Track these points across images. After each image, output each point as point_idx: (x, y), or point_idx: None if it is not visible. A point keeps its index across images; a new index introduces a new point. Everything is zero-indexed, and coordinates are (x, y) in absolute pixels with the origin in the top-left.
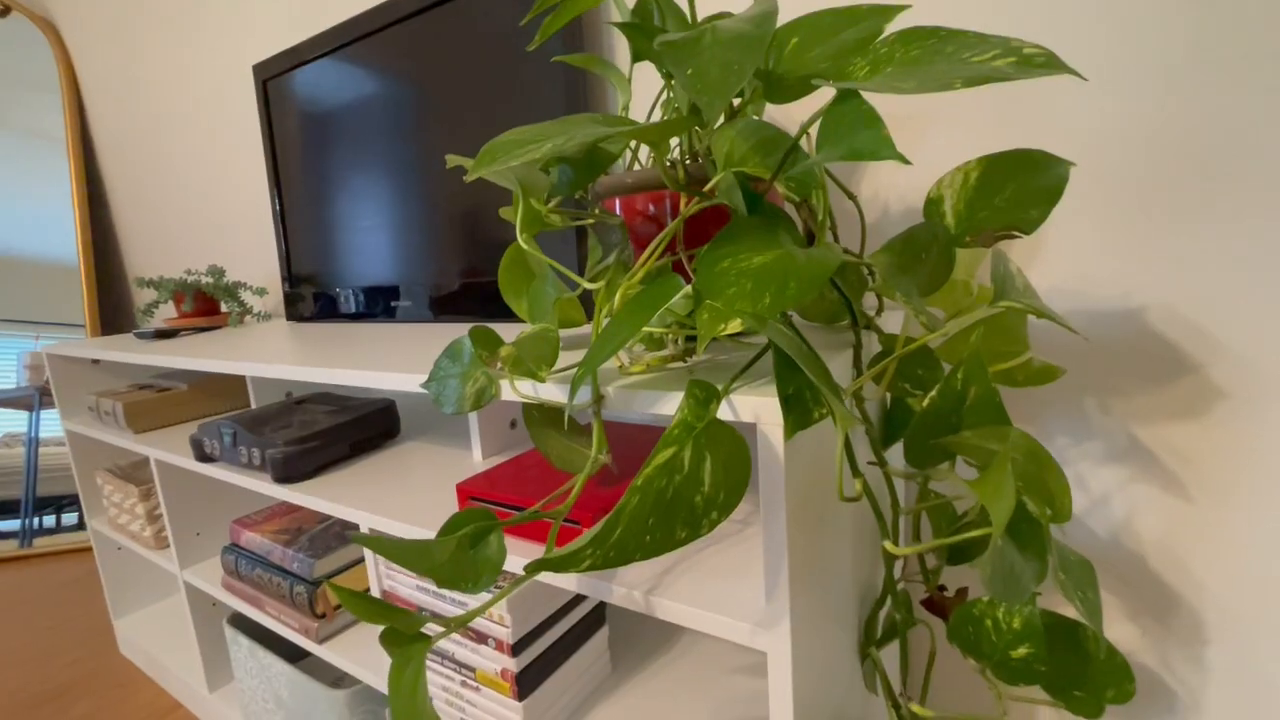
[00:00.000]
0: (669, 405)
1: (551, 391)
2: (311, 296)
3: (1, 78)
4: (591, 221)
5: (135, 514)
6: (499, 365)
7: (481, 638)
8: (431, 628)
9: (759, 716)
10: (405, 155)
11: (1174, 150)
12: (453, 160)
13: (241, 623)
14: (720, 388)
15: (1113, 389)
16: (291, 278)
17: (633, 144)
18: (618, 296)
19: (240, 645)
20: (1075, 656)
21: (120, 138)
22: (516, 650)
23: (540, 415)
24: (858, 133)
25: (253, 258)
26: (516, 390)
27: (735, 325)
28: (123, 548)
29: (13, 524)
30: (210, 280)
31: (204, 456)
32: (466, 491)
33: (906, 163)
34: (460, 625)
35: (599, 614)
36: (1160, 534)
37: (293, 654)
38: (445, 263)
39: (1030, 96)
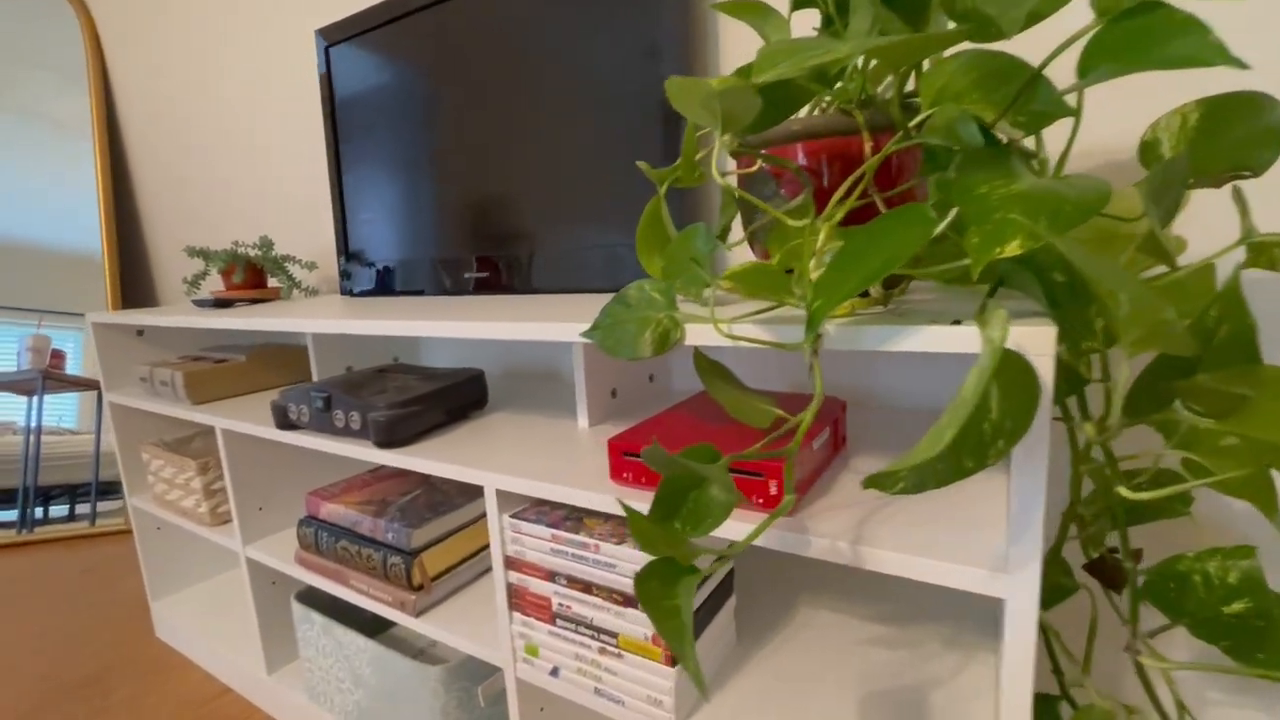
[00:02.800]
0: (903, 341)
1: (752, 332)
2: (368, 270)
3: (23, 53)
4: (758, 168)
5: (190, 489)
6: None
7: (630, 600)
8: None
9: (888, 690)
10: (476, 127)
11: None
12: (672, 84)
13: (310, 599)
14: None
15: None
16: (348, 252)
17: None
18: (821, 235)
19: (312, 623)
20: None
21: (148, 115)
22: None
23: (708, 366)
24: (1170, 41)
25: (292, 233)
26: (721, 330)
27: (1014, 248)
28: (162, 527)
29: (7, 514)
30: (259, 252)
31: (287, 424)
32: (620, 447)
33: (1245, 67)
34: (736, 552)
35: (728, 583)
36: None
37: (366, 632)
38: (516, 236)
39: None
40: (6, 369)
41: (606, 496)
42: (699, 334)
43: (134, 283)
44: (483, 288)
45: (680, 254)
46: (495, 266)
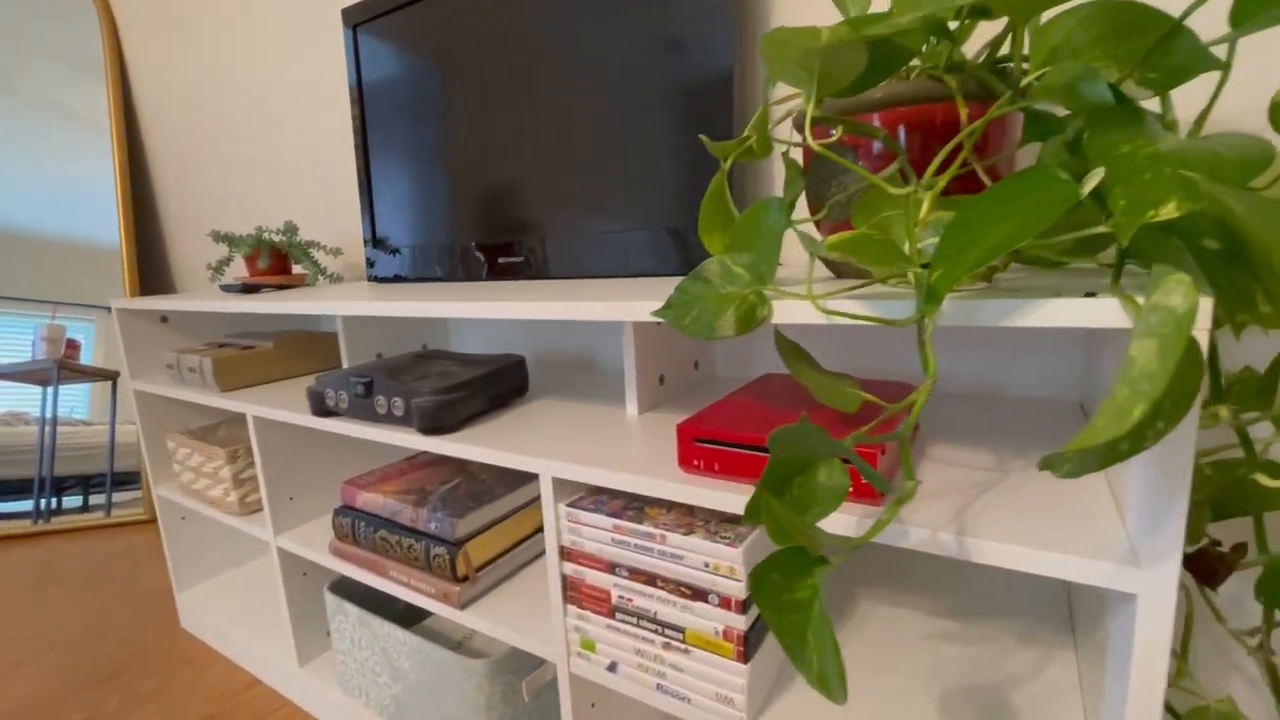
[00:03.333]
0: (1029, 315)
1: (852, 308)
2: (395, 257)
3: (37, 42)
4: (838, 137)
5: (219, 478)
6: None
7: (699, 594)
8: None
9: (966, 688)
10: (507, 111)
11: None
12: (771, 36)
13: (342, 590)
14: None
15: None
16: (375, 238)
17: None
18: (925, 204)
19: (347, 614)
20: None
21: (164, 104)
22: (747, 606)
23: (790, 348)
24: None
25: (311, 220)
26: (820, 308)
27: (1169, 210)
28: (187, 516)
29: (21, 504)
30: (284, 238)
31: (324, 410)
32: (691, 433)
33: None
34: (864, 542)
35: None
36: None
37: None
38: (545, 222)
39: None
40: (20, 360)
41: (681, 485)
42: (783, 312)
43: (151, 272)
44: (514, 273)
45: (750, 230)
46: (525, 251)
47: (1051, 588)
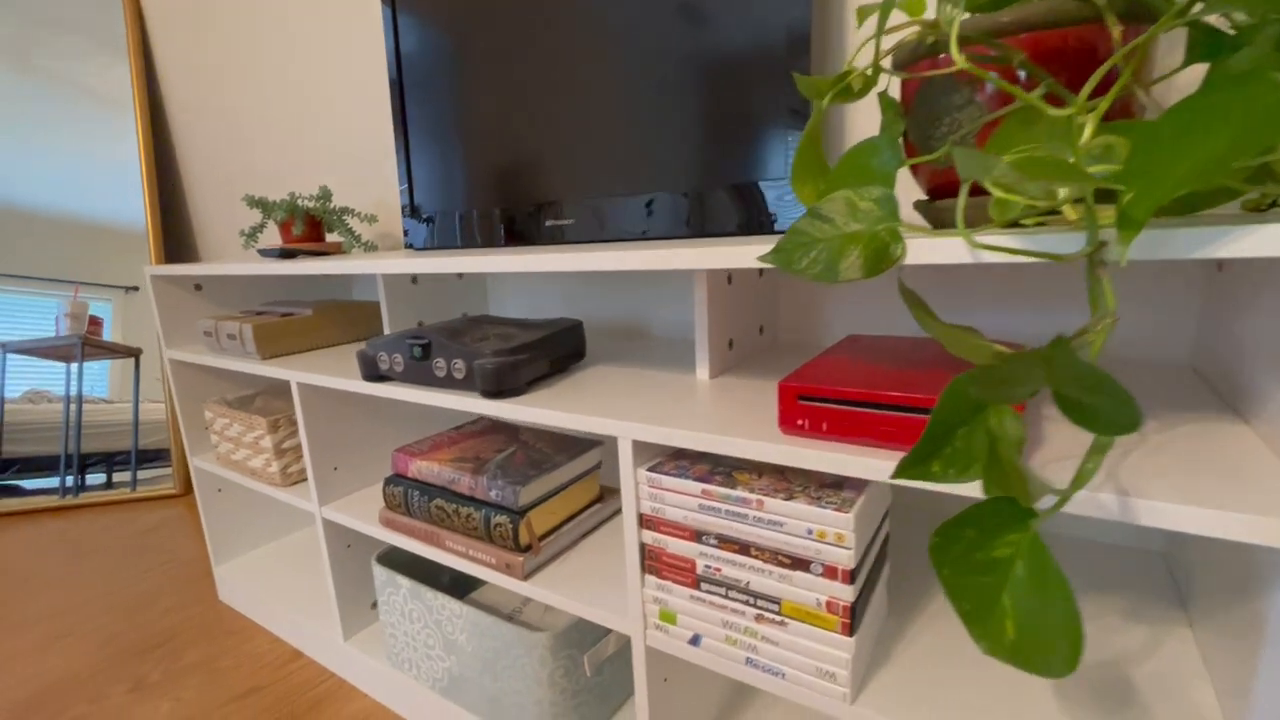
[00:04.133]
0: (1239, 243)
1: (1011, 243)
2: (433, 225)
3: (54, 15)
4: (958, 68)
5: (260, 448)
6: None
7: (799, 563)
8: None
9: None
10: (560, 67)
11: None
12: None
13: (389, 562)
14: None
15: None
16: (413, 205)
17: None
18: (1088, 129)
19: (398, 586)
20: None
21: (188, 81)
22: (855, 575)
23: (915, 298)
24: None
25: (345, 190)
26: (974, 243)
27: None
28: (223, 489)
29: (45, 481)
30: (318, 204)
31: (376, 375)
32: (794, 391)
33: None
34: (1071, 494)
35: (885, 550)
36: None
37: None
38: (605, 178)
39: None
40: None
41: (789, 447)
42: (920, 251)
43: (175, 248)
44: (559, 238)
45: (852, 174)
46: (571, 216)
47: (1147, 561)
